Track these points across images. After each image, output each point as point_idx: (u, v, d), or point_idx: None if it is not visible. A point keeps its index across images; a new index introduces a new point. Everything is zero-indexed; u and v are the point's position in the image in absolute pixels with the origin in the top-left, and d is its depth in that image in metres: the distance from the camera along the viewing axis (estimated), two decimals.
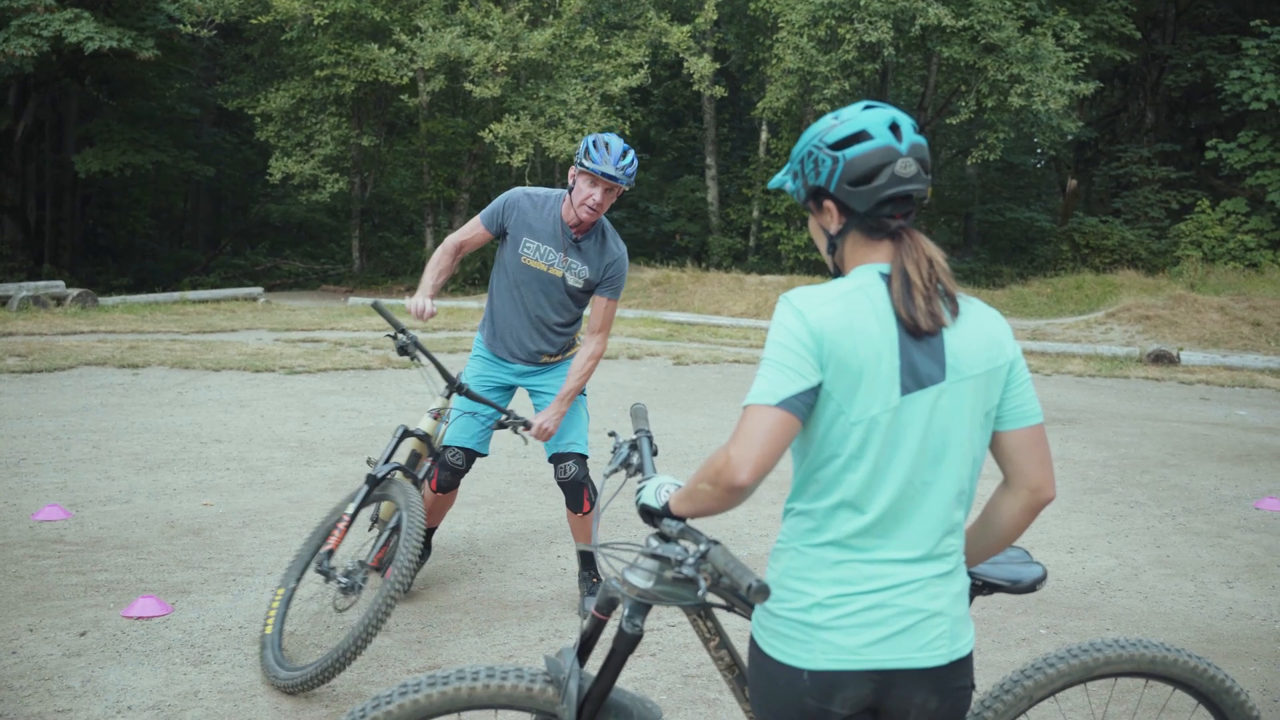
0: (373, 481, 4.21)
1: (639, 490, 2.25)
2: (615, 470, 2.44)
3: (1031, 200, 32.55)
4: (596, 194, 4.36)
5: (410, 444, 4.63)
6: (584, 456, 4.64)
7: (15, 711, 3.61)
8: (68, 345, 11.99)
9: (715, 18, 24.71)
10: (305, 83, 24.18)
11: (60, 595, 4.66)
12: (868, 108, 2.04)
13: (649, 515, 2.19)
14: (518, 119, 22.79)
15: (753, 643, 2.07)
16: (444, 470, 4.70)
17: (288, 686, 3.77)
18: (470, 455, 4.69)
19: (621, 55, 24.12)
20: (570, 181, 4.44)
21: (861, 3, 21.29)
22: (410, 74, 22.92)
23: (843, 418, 1.94)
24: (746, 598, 1.84)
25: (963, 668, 2.04)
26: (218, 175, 29.80)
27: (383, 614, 3.71)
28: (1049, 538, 6.13)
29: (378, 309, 4.41)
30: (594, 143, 4.36)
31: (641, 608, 2.19)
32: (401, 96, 24.66)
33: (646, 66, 24.43)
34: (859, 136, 2.00)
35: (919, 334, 1.95)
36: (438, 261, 4.64)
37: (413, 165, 28.17)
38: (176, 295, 19.71)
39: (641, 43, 24.35)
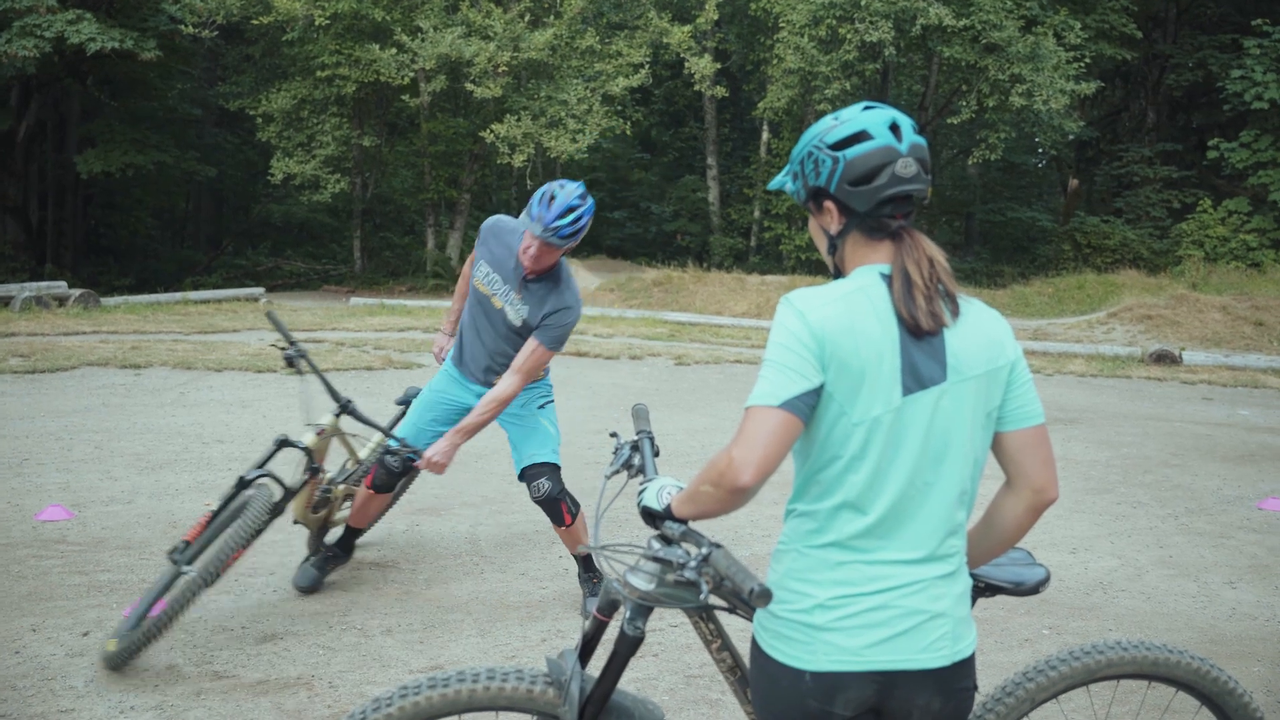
0: (241, 484, 4.27)
1: (641, 492, 2.25)
2: (616, 471, 2.43)
3: (1033, 200, 32.56)
4: (533, 248, 4.27)
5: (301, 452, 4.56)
6: (555, 466, 4.59)
7: (19, 711, 3.61)
8: (70, 346, 11.99)
9: (716, 18, 24.71)
10: (306, 83, 24.19)
11: (63, 595, 4.67)
12: (867, 108, 2.04)
13: (651, 517, 2.19)
14: (519, 119, 22.79)
15: (754, 644, 2.07)
16: (381, 469, 4.71)
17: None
18: (410, 457, 4.68)
19: (622, 55, 24.13)
20: (516, 226, 4.47)
21: (862, 3, 21.29)
22: (411, 74, 22.92)
23: (844, 419, 1.94)
24: (749, 602, 1.84)
25: (965, 669, 2.04)
26: (219, 175, 29.81)
27: (180, 604, 3.86)
28: (1051, 538, 6.13)
29: (271, 319, 4.49)
30: (541, 195, 4.25)
31: (643, 610, 2.19)
32: (403, 97, 24.66)
33: (647, 66, 24.43)
34: (859, 137, 2.00)
35: (920, 334, 1.95)
36: (459, 288, 4.78)
37: (414, 165, 28.18)
38: (178, 295, 19.71)
39: (642, 43, 24.35)
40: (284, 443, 4.44)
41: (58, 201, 28.14)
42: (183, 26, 23.22)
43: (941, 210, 29.53)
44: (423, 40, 22.24)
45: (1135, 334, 16.82)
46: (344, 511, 5.10)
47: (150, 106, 27.40)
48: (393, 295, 22.51)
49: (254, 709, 3.71)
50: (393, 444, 4.56)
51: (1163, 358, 14.69)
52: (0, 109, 24.31)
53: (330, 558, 4.96)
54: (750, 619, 2.18)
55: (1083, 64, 22.77)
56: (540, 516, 6.22)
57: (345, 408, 4.56)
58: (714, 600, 2.22)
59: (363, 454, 5.05)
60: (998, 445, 2.08)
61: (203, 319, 15.82)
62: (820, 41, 22.18)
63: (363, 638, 4.37)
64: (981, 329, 2.03)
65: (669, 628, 4.53)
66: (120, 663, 3.86)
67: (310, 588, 4.84)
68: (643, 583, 2.15)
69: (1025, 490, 2.08)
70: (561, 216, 4.21)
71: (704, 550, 2.01)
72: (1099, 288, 20.22)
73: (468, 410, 4.62)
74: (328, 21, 22.70)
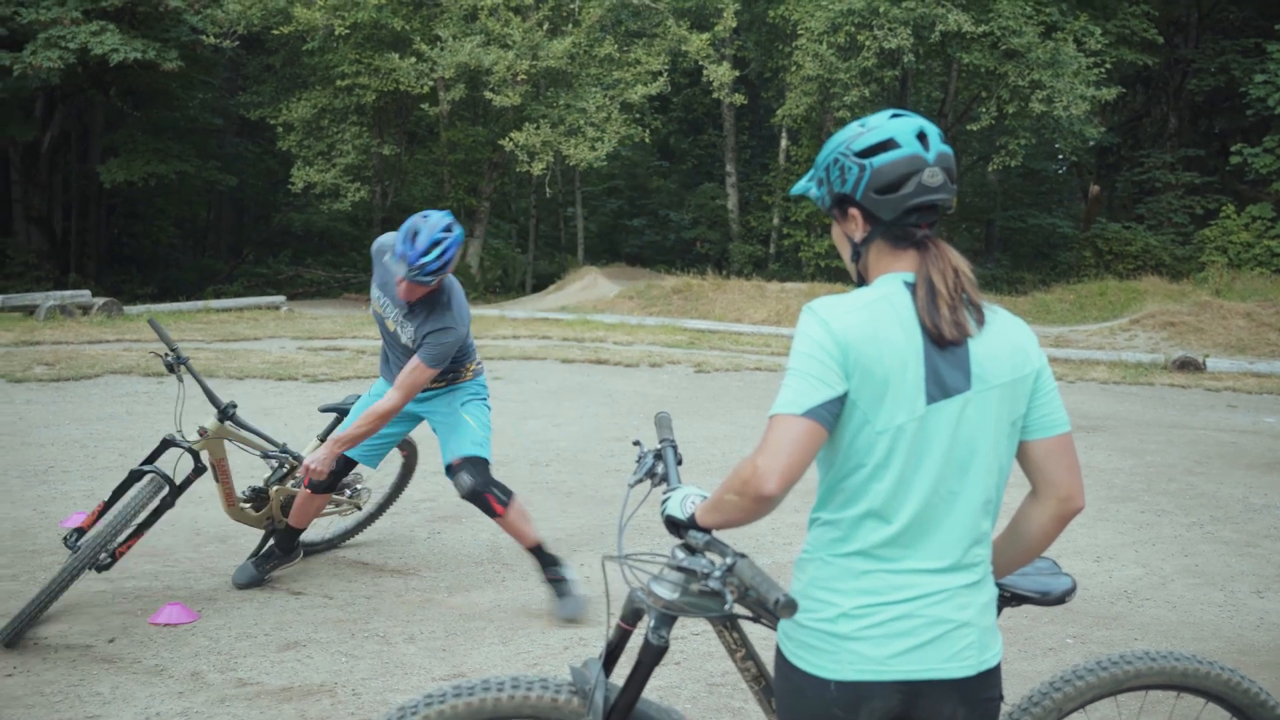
0: (133, 475, 4.53)
1: (664, 501, 2.24)
2: (640, 480, 2.43)
3: (1053, 206, 32.42)
4: (403, 287, 4.35)
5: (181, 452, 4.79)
6: (476, 459, 4.59)
7: (46, 717, 3.64)
8: (94, 354, 12.08)
9: (734, 25, 24.75)
10: (326, 92, 24.34)
11: (89, 602, 4.69)
12: (895, 115, 2.04)
13: (675, 526, 2.18)
14: (538, 127, 22.87)
15: (779, 653, 2.07)
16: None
17: None
18: (349, 462, 4.83)
19: (641, 63, 24.19)
20: None
21: (881, 10, 21.27)
22: (431, 83, 23.04)
23: (868, 427, 1.94)
24: (774, 613, 1.84)
25: (991, 679, 2.03)
26: (240, 185, 30.03)
27: (62, 580, 4.16)
28: (1075, 546, 6.09)
29: (152, 326, 4.79)
30: (405, 232, 4.24)
31: (667, 619, 2.19)
32: (422, 105, 24.81)
33: (666, 74, 24.49)
34: (886, 145, 1.99)
35: (944, 343, 1.95)
36: None
37: (433, 174, 28.30)
38: (200, 304, 19.86)
39: (661, 50, 24.41)
40: (169, 442, 4.71)
41: (81, 211, 28.40)
42: (204, 37, 23.41)
43: (961, 217, 29.44)
44: (442, 49, 22.35)
45: (1158, 341, 16.72)
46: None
47: (172, 116, 27.63)
48: None
49: (278, 715, 3.72)
50: (272, 450, 4.88)
51: (1186, 365, 14.59)
52: (25, 120, 24.55)
53: (268, 555, 5.07)
54: (774, 627, 2.17)
55: (1103, 69, 22.68)
56: (563, 524, 6.22)
57: (225, 413, 4.80)
58: (738, 609, 2.22)
59: (304, 452, 5.14)
60: (1023, 454, 2.08)
61: (224, 327, 15.91)
62: (839, 48, 22.17)
63: (385, 645, 4.38)
64: (1006, 337, 2.03)
65: (691, 636, 4.52)
66: (6, 639, 4.16)
67: (247, 584, 4.96)
68: (667, 592, 2.15)
69: (1051, 499, 2.07)
70: (426, 253, 4.20)
71: (729, 560, 2.00)
72: (1121, 294, 20.11)
73: (415, 417, 4.81)
74: (347, 31, 22.84)
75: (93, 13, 21.84)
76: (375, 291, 4.67)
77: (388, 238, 4.58)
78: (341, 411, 5.14)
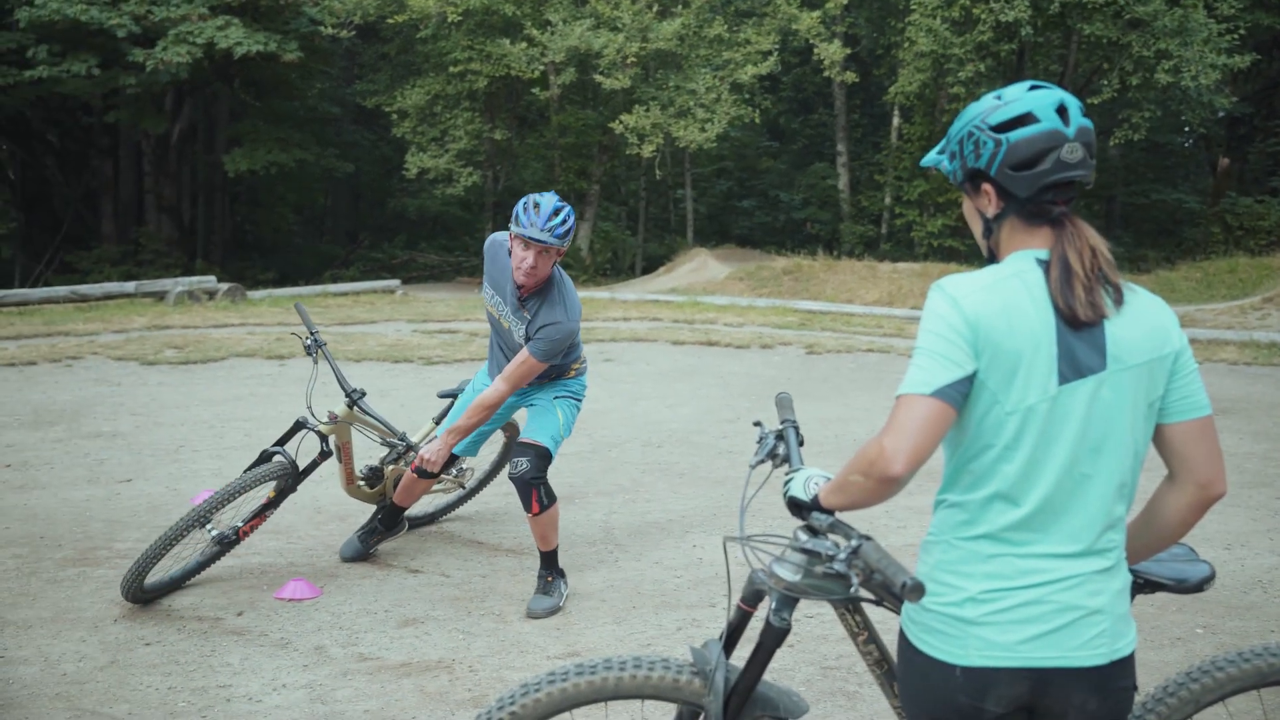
0: (263, 456, 4.69)
1: (786, 482, 2.23)
2: (761, 461, 2.41)
3: (1179, 181, 31.26)
4: (530, 258, 4.35)
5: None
6: (543, 451, 4.57)
7: (182, 684, 3.78)
8: (220, 338, 12.50)
9: (845, 2, 24.38)
10: (440, 79, 24.70)
11: (218, 577, 4.86)
12: (1034, 88, 1.97)
13: (797, 508, 2.17)
14: (647, 109, 22.87)
15: (903, 637, 2.04)
16: (421, 474, 4.88)
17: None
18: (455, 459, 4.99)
19: (751, 43, 23.99)
20: (509, 244, 4.52)
21: None
22: (541, 68, 23.22)
23: (998, 407, 1.90)
24: (900, 595, 1.81)
25: (1124, 668, 1.97)
26: (356, 171, 30.73)
27: (170, 536, 4.37)
28: (1204, 533, 5.87)
29: (298, 310, 4.98)
30: (524, 205, 4.36)
31: (789, 601, 2.17)
32: (533, 90, 25.01)
33: (776, 54, 24.25)
34: (1024, 119, 1.93)
35: (1078, 325, 1.89)
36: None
37: (544, 158, 28.54)
38: (318, 289, 20.38)
39: (771, 30, 24.17)
40: (301, 424, 4.86)
41: (207, 200, 29.41)
42: (322, 28, 23.98)
43: (1081, 194, 28.31)
44: (552, 33, 22.49)
45: None
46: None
47: (292, 106, 28.39)
48: None
49: (398, 690, 3.81)
50: (393, 439, 5.03)
51: None
52: (157, 113, 25.49)
53: (372, 530, 5.18)
54: (897, 611, 2.14)
55: (1236, 36, 21.71)
56: (675, 506, 6.23)
57: (353, 399, 4.91)
58: (861, 592, 2.19)
59: (414, 438, 5.19)
60: (1160, 437, 2.01)
61: (341, 311, 16.31)
62: (953, 23, 21.66)
63: (500, 623, 4.44)
64: (1145, 316, 1.96)
65: (805, 618, 4.49)
66: (127, 592, 4.42)
67: (352, 557, 5.12)
68: (789, 574, 2.13)
69: (1190, 484, 2.01)
70: (553, 217, 4.32)
71: (854, 542, 1.98)
72: (1253, 271, 19.29)
73: (507, 406, 4.90)
74: (460, 18, 23.14)
75: (218, 8, 22.56)
76: (488, 290, 4.73)
77: (500, 235, 4.68)
78: (456, 397, 5.23)
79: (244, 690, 3.77)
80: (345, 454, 5.04)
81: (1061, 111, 1.93)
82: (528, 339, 4.54)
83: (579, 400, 4.85)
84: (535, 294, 4.53)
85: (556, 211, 4.34)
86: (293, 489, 4.83)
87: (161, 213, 26.96)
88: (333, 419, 4.90)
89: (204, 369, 10.58)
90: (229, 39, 21.96)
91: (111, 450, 7.27)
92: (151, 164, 26.78)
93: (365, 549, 5.16)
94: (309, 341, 4.96)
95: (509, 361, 4.67)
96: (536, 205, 4.33)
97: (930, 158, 2.12)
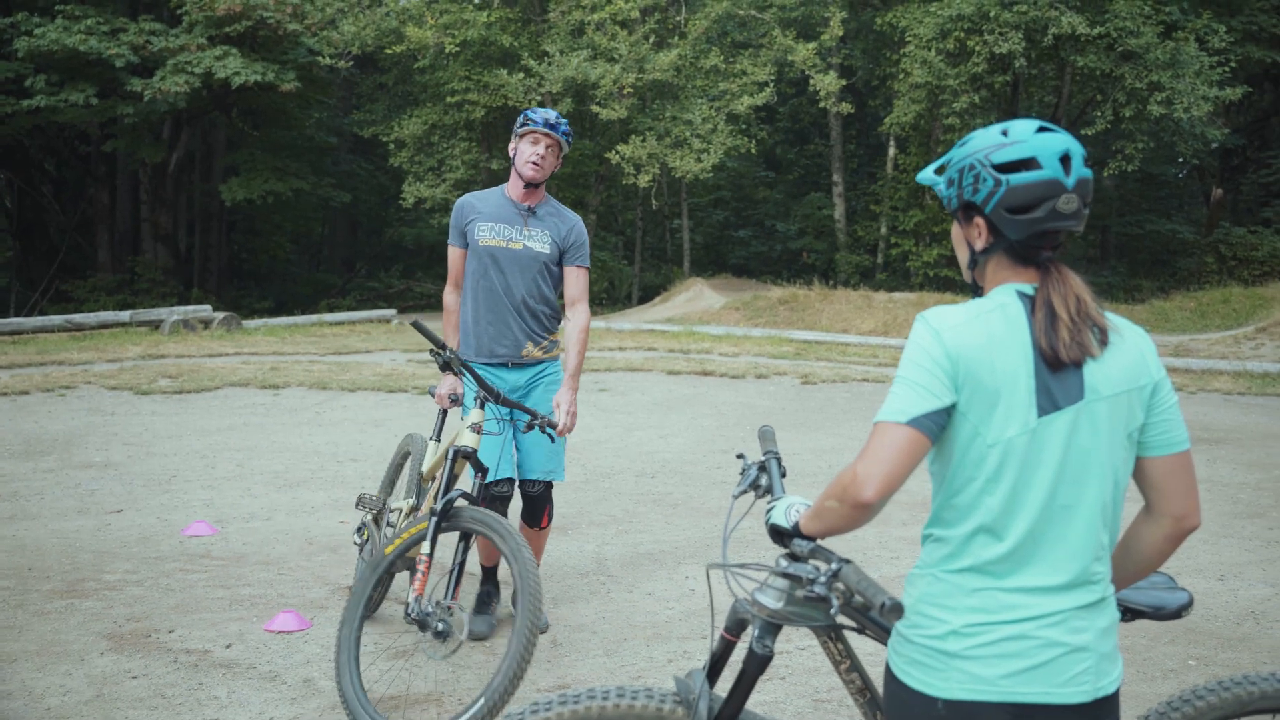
0: (442, 514, 3.82)
1: (768, 510, 2.24)
2: (744, 491, 2.42)
3: (1173, 211, 31.38)
4: (539, 149, 4.49)
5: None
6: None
7: (168, 718, 3.76)
8: (214, 367, 12.50)
9: (841, 34, 24.53)
10: (437, 109, 24.83)
11: (207, 608, 4.84)
12: (1042, 130, 1.97)
13: (779, 535, 2.18)
14: (644, 140, 22.98)
15: (888, 669, 2.04)
16: (493, 503, 4.54)
17: None
18: (512, 482, 4.63)
19: (747, 74, 24.13)
20: (511, 155, 4.60)
21: (991, 14, 20.85)
22: (538, 98, 23.33)
23: (979, 439, 1.91)
24: (880, 617, 1.81)
25: (1108, 705, 1.97)
26: (353, 201, 30.83)
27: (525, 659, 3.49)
28: (1197, 564, 5.86)
29: (417, 328, 4.27)
30: (525, 113, 4.56)
31: (771, 628, 2.17)
32: None
33: (772, 84, 24.38)
34: (1028, 164, 1.93)
35: (1059, 366, 1.91)
36: (449, 320, 4.76)
37: None
38: (314, 318, 20.41)
39: (767, 61, 24.31)
40: (464, 454, 4.16)
41: (204, 229, 29.47)
42: (320, 58, 24.13)
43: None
44: (549, 64, 22.62)
45: None
46: None
47: (289, 135, 28.52)
48: None
49: None
50: (536, 421, 4.27)
51: None
52: (154, 142, 25.60)
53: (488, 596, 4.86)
54: (882, 641, 2.15)
55: (1228, 69, 21.85)
56: (667, 537, 6.21)
57: (497, 398, 4.26)
58: (843, 619, 2.20)
59: (427, 465, 4.75)
60: (1139, 471, 2.03)
61: (337, 340, 16.32)
62: (948, 55, 21.79)
63: (490, 656, 4.42)
64: (1125, 348, 1.98)
65: (796, 650, 4.47)
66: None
67: (488, 632, 4.67)
68: (772, 600, 2.13)
69: (1166, 517, 2.03)
70: (558, 118, 4.54)
71: (834, 566, 2.00)
72: (1246, 301, 19.34)
73: (514, 392, 4.59)
74: (457, 48, 23.28)
75: (217, 38, 22.72)
76: (485, 228, 4.57)
77: (470, 196, 4.75)
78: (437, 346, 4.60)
79: None
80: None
81: (1065, 160, 1.94)
82: (560, 248, 4.62)
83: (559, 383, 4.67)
84: (542, 204, 4.66)
85: (557, 117, 4.54)
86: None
87: (158, 241, 27.02)
88: (476, 428, 4.24)
89: (198, 399, 10.58)
90: (227, 69, 22.09)
91: (103, 480, 7.26)
92: (148, 193, 26.86)
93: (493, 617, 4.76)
94: (441, 358, 4.34)
95: (515, 301, 4.56)
96: (543, 110, 4.55)
97: (927, 175, 2.12)
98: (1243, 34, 23.84)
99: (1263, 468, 8.47)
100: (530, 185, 4.57)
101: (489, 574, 4.87)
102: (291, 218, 30.90)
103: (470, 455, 4.15)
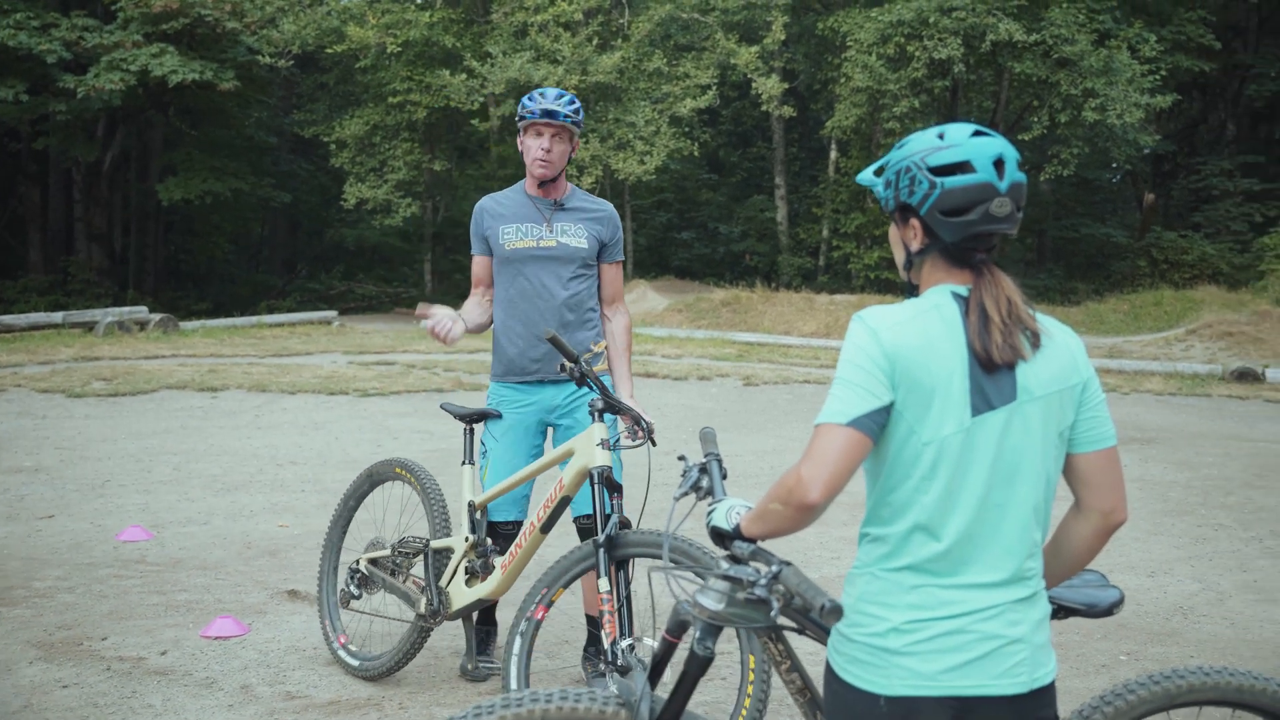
0: (607, 546, 3.58)
1: (709, 513, 2.25)
2: (685, 494, 2.43)
3: (1107, 216, 31.95)
4: (544, 142, 4.07)
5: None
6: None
7: None
8: (150, 369, 12.28)
9: (783, 38, 24.68)
10: (379, 109, 24.64)
11: (142, 614, 4.76)
12: (977, 134, 2.01)
13: (720, 537, 2.19)
14: (586, 142, 22.95)
15: (828, 667, 2.06)
16: (498, 541, 4.21)
17: None
18: (520, 525, 4.23)
19: (690, 77, 24.20)
20: (520, 148, 4.21)
21: (931, 20, 21.13)
22: (481, 99, 23.24)
23: (914, 438, 1.94)
24: (819, 619, 1.83)
25: (1044, 697, 2.01)
26: (294, 201, 30.45)
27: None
28: (1128, 560, 5.99)
29: (555, 344, 3.68)
30: (529, 96, 4.11)
31: (713, 630, 2.19)
32: (472, 121, 24.99)
33: (715, 87, 24.48)
34: (962, 167, 1.97)
35: (993, 367, 1.94)
36: (465, 307, 4.35)
37: (484, 189, 28.46)
38: (254, 319, 20.12)
39: (709, 64, 24.41)
40: (602, 478, 3.80)
41: (140, 229, 28.95)
42: (260, 57, 23.83)
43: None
44: (492, 65, 22.53)
45: (1215, 351, 16.41)
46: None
47: (228, 135, 28.12)
48: None
49: None
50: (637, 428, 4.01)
51: (1245, 375, 14.31)
52: (88, 141, 25.11)
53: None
54: (822, 641, 2.17)
55: (1158, 77, 22.34)
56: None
57: (619, 411, 3.94)
58: (784, 620, 2.22)
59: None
60: (1068, 467, 2.07)
61: (277, 342, 16.12)
62: (888, 60, 22.04)
63: (432, 659, 4.40)
64: (1054, 348, 2.02)
65: (738, 651, 4.49)
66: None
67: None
68: (712, 602, 2.14)
69: (1094, 512, 2.08)
70: (560, 98, 4.09)
71: (774, 568, 2.01)
72: (1177, 304, 19.78)
73: (540, 432, 4.30)
74: (399, 49, 23.12)
75: (153, 35, 22.33)
76: (510, 230, 4.19)
77: (487, 199, 4.36)
78: (464, 415, 4.31)
79: None
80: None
81: (999, 164, 1.97)
82: (598, 241, 4.20)
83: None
84: (569, 195, 4.25)
85: (561, 95, 4.10)
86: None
87: (92, 241, 26.50)
88: (608, 446, 3.88)
89: (133, 401, 10.39)
90: (164, 67, 21.73)
91: (33, 485, 7.11)
92: (82, 192, 26.33)
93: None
94: (576, 371, 3.73)
95: (555, 305, 4.14)
96: (541, 93, 4.09)
97: (866, 177, 2.14)
98: (1172, 43, 24.38)
99: (1192, 467, 8.66)
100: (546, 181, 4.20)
101: (487, 615, 4.49)
102: (230, 218, 30.44)
103: (608, 476, 3.77)
